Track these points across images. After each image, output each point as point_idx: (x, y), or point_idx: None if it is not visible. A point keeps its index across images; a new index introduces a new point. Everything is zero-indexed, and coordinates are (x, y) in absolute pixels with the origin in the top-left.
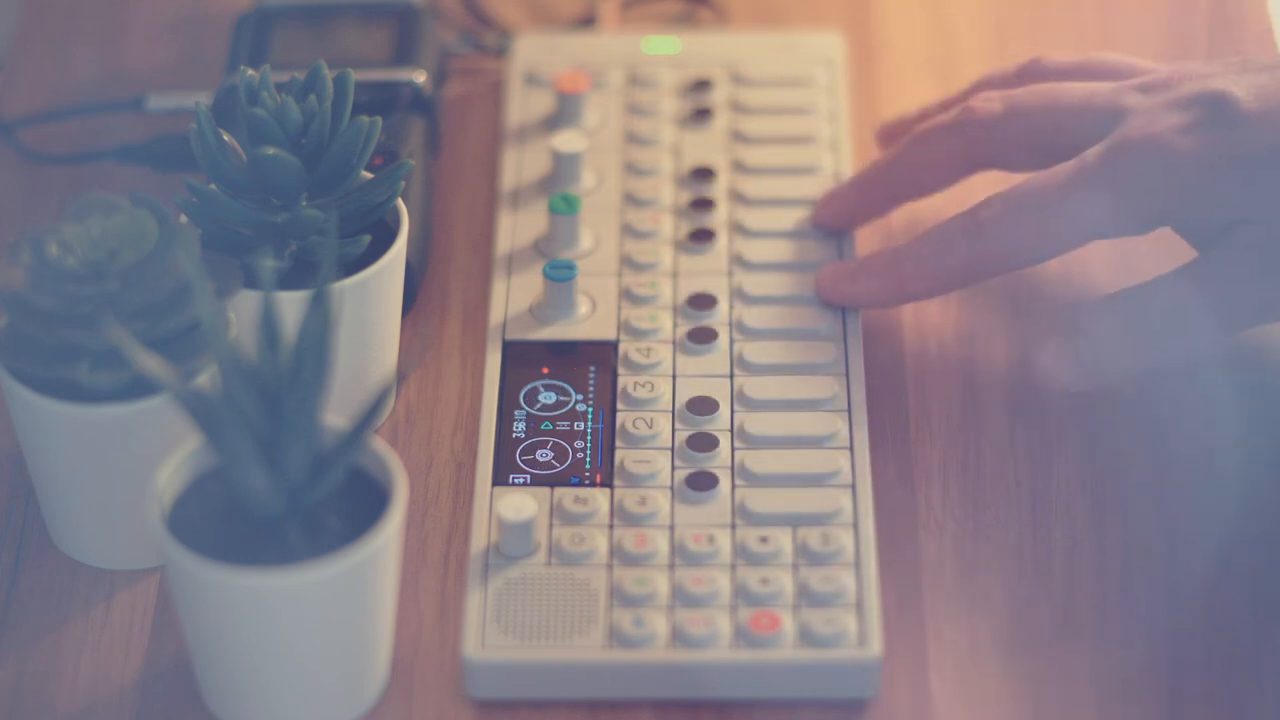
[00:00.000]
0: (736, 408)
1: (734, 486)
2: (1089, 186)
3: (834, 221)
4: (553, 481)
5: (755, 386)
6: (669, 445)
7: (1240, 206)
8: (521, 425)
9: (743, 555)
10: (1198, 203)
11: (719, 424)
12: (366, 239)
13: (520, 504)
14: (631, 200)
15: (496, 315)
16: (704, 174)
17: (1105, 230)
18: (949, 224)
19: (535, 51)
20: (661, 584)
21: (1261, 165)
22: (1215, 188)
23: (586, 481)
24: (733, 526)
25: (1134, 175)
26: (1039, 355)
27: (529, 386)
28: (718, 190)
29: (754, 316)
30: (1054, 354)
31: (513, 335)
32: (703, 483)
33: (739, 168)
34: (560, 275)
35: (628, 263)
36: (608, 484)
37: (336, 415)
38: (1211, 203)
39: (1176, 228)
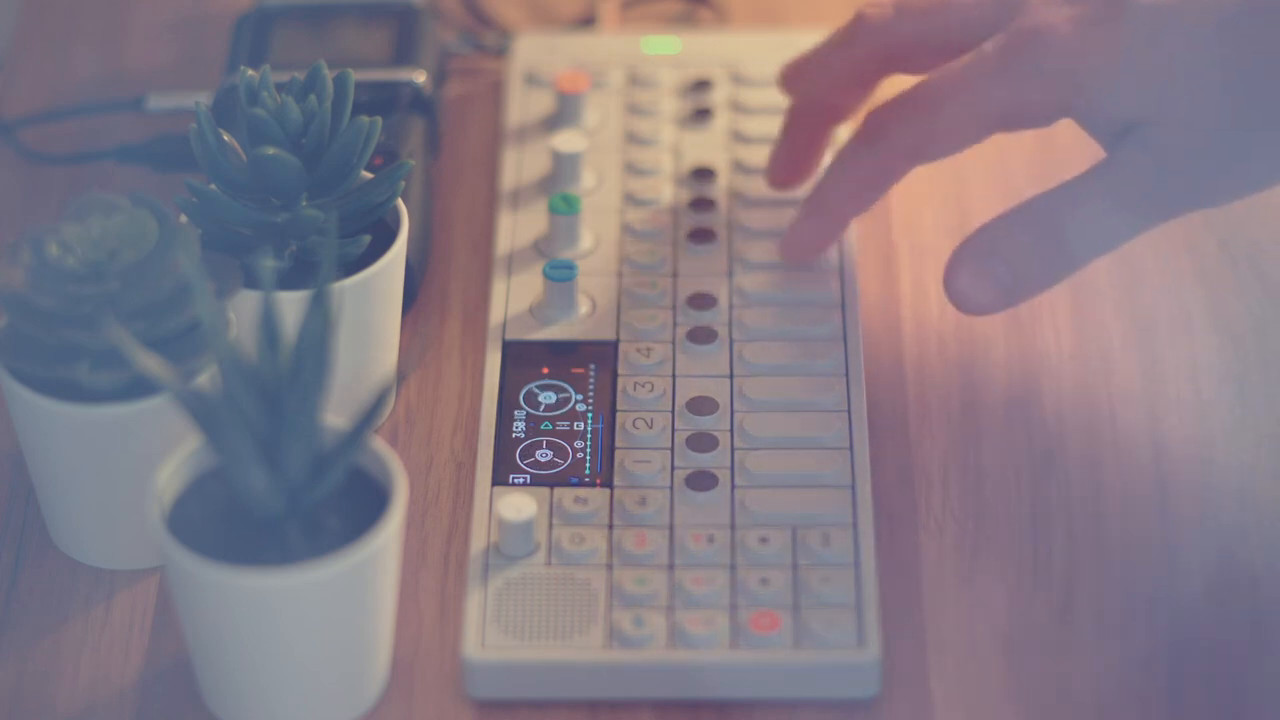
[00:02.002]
0: (736, 408)
1: (734, 486)
2: (986, 77)
3: (782, 178)
4: (553, 481)
5: (755, 386)
6: (669, 445)
7: (1138, 103)
8: (521, 425)
9: (743, 555)
10: (1094, 96)
11: (719, 424)
12: (366, 239)
13: (520, 504)
14: (631, 200)
15: (496, 315)
16: (704, 174)
17: (1007, 121)
18: (853, 136)
19: (535, 51)
20: (661, 584)
21: (1157, 62)
22: (1110, 82)
23: (586, 481)
24: (733, 526)
25: (1030, 66)
26: (956, 281)
27: (529, 386)
28: (718, 190)
29: (754, 316)
30: (970, 278)
31: (513, 335)
32: (703, 483)
33: (739, 168)
34: (560, 275)
35: (628, 263)
36: (608, 484)
37: (336, 415)
38: (1108, 97)
39: (1079, 120)
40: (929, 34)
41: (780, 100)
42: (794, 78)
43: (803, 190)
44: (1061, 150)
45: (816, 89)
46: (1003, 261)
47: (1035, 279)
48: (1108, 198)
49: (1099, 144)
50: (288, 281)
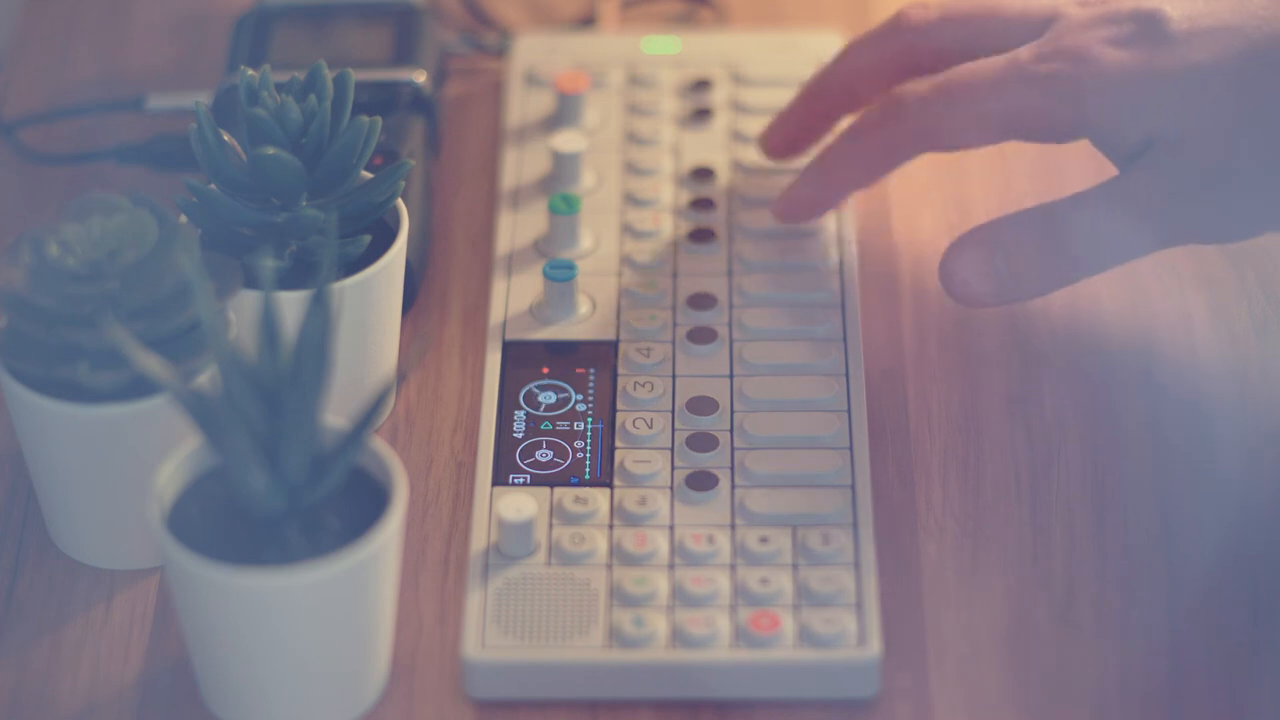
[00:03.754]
0: (736, 408)
1: (734, 486)
2: (1016, 81)
3: (779, 149)
4: (553, 481)
5: (755, 386)
6: (669, 445)
7: (1160, 125)
8: (521, 425)
9: (743, 555)
10: (1118, 116)
11: (719, 424)
12: (366, 239)
13: (520, 504)
14: (631, 200)
15: (496, 315)
16: (704, 174)
17: (1025, 129)
18: (870, 110)
19: (535, 51)
20: (661, 584)
21: (1184, 85)
22: (1136, 103)
23: (586, 481)
24: (733, 526)
25: (1060, 79)
26: (954, 267)
27: (529, 386)
28: (718, 190)
29: (754, 316)
30: (969, 266)
31: (513, 335)
32: (703, 483)
33: (739, 168)
34: (560, 275)
35: (628, 263)
36: (608, 484)
37: (336, 415)
38: (1132, 117)
39: (1096, 141)
40: (968, 41)
41: (781, 100)
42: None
43: (797, 162)
44: (1064, 154)
45: (839, 75)
46: (1003, 255)
47: (1031, 280)
48: (1116, 213)
49: (1114, 164)
50: (288, 281)
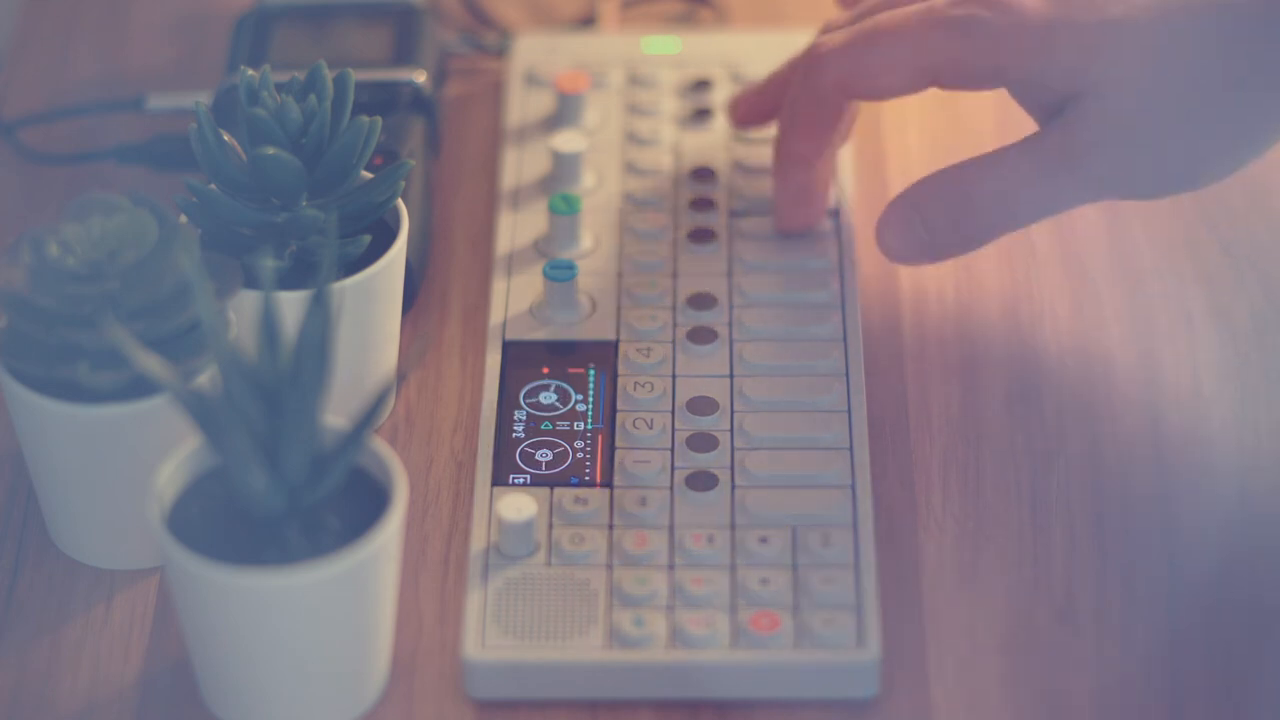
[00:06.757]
0: (736, 408)
1: (734, 486)
2: (929, 26)
3: (747, 118)
4: (553, 481)
5: (755, 386)
6: (669, 445)
7: (1081, 78)
8: (521, 425)
9: (743, 555)
10: (1037, 67)
11: (719, 424)
12: (366, 239)
13: (520, 504)
14: (631, 200)
15: (496, 315)
16: (704, 174)
17: (943, 76)
18: (792, 59)
19: (535, 51)
20: (661, 584)
21: (1105, 38)
22: (1057, 54)
23: (586, 481)
24: (733, 526)
25: (977, 25)
26: (881, 231)
27: (529, 386)
28: (718, 190)
29: (754, 316)
30: (893, 230)
31: (513, 335)
32: (703, 483)
33: (739, 168)
34: (560, 275)
35: (628, 263)
36: (608, 484)
37: (336, 415)
38: (1051, 69)
39: (1015, 94)
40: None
41: None
42: (744, 113)
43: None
44: None
45: (797, 124)
46: (921, 220)
47: (950, 241)
48: (1025, 171)
49: (1031, 117)
50: (288, 281)
